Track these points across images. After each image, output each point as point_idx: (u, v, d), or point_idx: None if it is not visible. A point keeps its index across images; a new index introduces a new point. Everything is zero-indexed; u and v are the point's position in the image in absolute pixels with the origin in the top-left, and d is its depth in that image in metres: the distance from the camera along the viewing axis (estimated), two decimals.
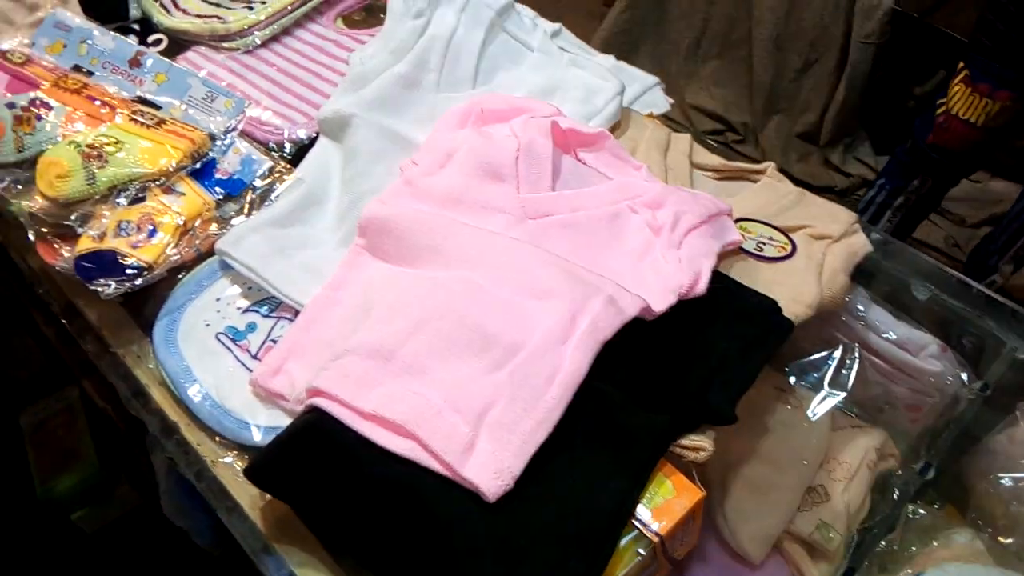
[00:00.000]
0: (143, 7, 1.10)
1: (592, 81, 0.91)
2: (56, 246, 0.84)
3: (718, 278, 0.74)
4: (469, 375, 0.64)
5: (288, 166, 0.89)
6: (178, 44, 1.08)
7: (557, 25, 1.06)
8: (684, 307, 0.71)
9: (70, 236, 0.84)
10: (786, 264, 0.78)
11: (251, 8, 1.05)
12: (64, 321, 0.84)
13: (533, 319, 0.66)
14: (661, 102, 0.99)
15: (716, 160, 0.90)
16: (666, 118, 1.00)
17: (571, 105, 0.89)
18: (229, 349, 0.78)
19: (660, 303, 0.70)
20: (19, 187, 0.88)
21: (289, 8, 1.06)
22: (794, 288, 0.76)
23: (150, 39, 1.04)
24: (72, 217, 0.84)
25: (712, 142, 0.96)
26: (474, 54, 0.92)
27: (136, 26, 1.11)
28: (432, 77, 0.92)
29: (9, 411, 1.90)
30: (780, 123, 2.73)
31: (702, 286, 0.72)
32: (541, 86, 0.91)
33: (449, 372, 0.64)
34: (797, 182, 0.91)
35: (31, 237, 0.85)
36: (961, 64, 1.73)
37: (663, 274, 0.72)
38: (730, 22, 2.68)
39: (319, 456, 0.64)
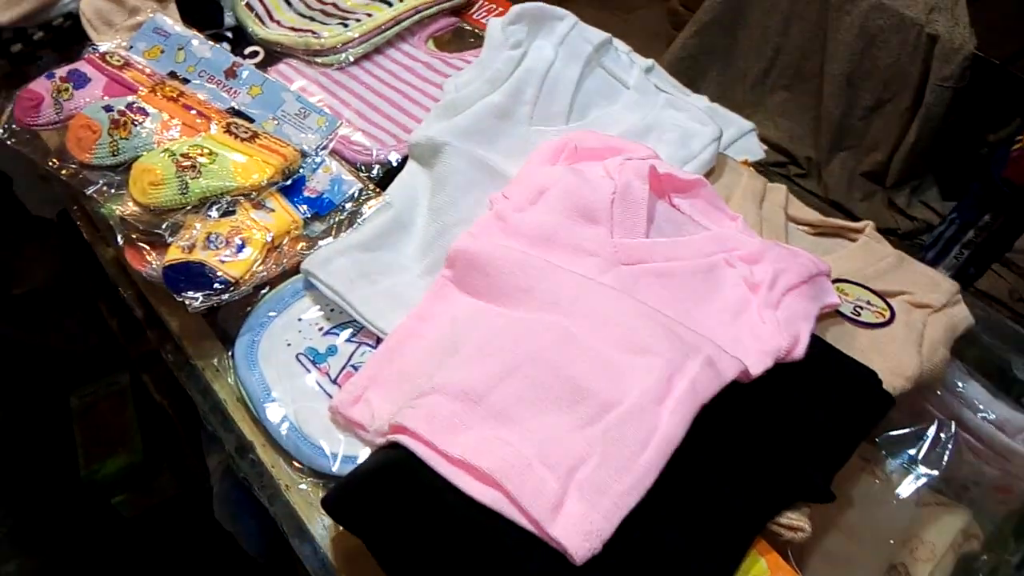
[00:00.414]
0: (238, 16, 1.11)
1: (689, 124, 0.89)
2: (144, 253, 0.84)
3: (815, 342, 0.71)
4: (560, 428, 0.62)
5: (376, 188, 0.89)
6: (270, 55, 1.08)
7: (650, 61, 1.04)
8: (780, 371, 0.69)
9: (159, 244, 0.84)
10: (884, 332, 0.76)
11: (346, 25, 1.05)
12: (147, 329, 0.84)
13: (628, 375, 0.64)
14: (756, 148, 0.96)
15: (812, 215, 0.88)
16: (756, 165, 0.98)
17: (666, 148, 0.87)
18: (309, 371, 0.78)
19: (757, 366, 0.67)
20: (112, 191, 0.88)
21: (383, 27, 1.05)
22: (893, 358, 0.73)
23: (247, 51, 1.04)
24: (163, 226, 0.84)
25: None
26: (570, 89, 0.91)
27: (229, 34, 1.11)
28: (526, 109, 0.90)
29: (60, 390, 1.93)
30: (845, 160, 2.68)
31: (800, 350, 0.69)
32: (636, 126, 0.89)
33: (539, 423, 0.62)
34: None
35: (120, 241, 0.85)
36: None
37: (760, 335, 0.70)
38: (802, 54, 2.64)
39: (400, 495, 0.62)
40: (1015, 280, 2.44)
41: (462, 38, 1.14)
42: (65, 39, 1.09)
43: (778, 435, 0.65)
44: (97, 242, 0.96)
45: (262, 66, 1.10)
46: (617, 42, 0.99)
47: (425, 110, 0.99)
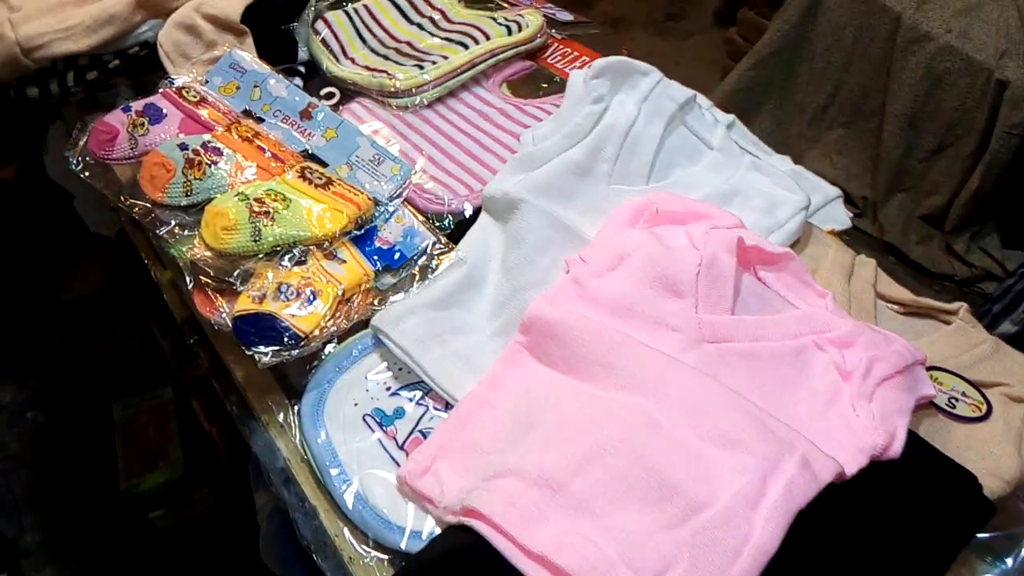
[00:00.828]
0: (312, 52, 1.09)
1: (775, 191, 0.86)
2: (213, 298, 0.82)
3: (911, 439, 0.67)
4: (646, 527, 0.59)
5: (449, 242, 0.86)
6: (343, 93, 1.07)
7: (731, 117, 1.01)
8: (874, 469, 0.65)
9: (228, 291, 0.83)
10: (981, 427, 0.72)
11: (421, 67, 1.03)
12: (213, 382, 0.82)
13: (718, 472, 0.61)
14: (843, 217, 0.92)
15: (903, 293, 0.84)
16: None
17: (751, 215, 0.84)
18: (374, 431, 0.76)
19: (852, 465, 0.64)
20: (184, 232, 0.87)
21: (459, 70, 1.03)
22: (991, 458, 0.69)
23: (322, 92, 1.03)
24: (234, 273, 0.83)
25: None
26: (652, 148, 0.88)
27: (302, 69, 1.10)
28: (605, 167, 0.88)
29: (104, 399, 1.93)
30: (903, 202, 2.62)
31: (897, 448, 0.66)
32: (720, 190, 0.86)
33: (624, 519, 0.59)
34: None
35: (189, 285, 0.84)
36: None
37: (854, 430, 0.66)
38: (863, 92, 2.58)
39: None
40: None
41: (535, 81, 1.11)
42: (140, 68, 1.09)
43: (873, 542, 0.61)
44: (154, 264, 0.95)
45: (335, 106, 1.09)
46: (700, 97, 0.96)
47: (499, 159, 0.96)
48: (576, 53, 1.14)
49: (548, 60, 1.13)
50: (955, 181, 2.46)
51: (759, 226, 0.83)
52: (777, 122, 2.82)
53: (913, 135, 2.47)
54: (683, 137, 0.91)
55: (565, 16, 1.17)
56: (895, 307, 0.84)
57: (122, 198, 0.89)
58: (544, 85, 1.10)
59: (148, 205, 0.88)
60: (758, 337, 0.73)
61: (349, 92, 1.07)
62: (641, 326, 0.74)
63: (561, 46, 1.15)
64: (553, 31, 1.15)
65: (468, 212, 0.91)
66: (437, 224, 0.92)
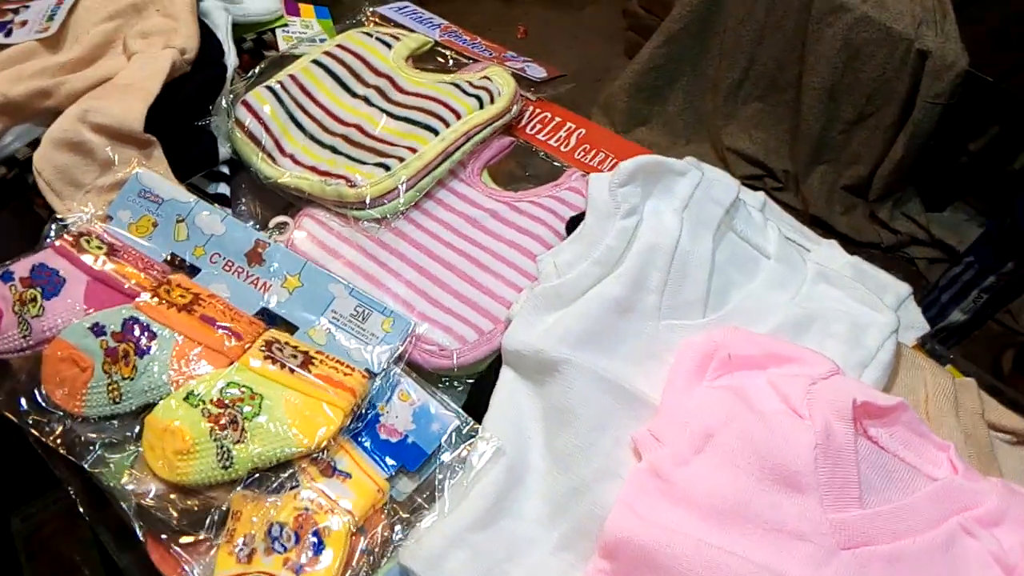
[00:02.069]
0: (238, 150, 0.85)
1: (855, 309, 0.70)
2: (175, 554, 0.60)
3: None
4: None
5: (473, 422, 0.66)
6: (270, 192, 0.83)
7: (761, 196, 0.84)
8: None
9: (195, 536, 0.60)
10: None
11: (387, 168, 0.80)
12: None
13: None
14: (920, 319, 0.78)
15: (1011, 419, 0.70)
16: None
17: (835, 346, 0.68)
18: None
19: None
20: (115, 455, 0.64)
21: (432, 165, 0.81)
22: None
23: (272, 223, 0.79)
24: (197, 505, 0.60)
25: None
26: (705, 270, 0.70)
27: (226, 169, 0.86)
28: (652, 300, 0.69)
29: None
30: (825, 173, 2.56)
31: None
32: (793, 317, 0.69)
33: None
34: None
35: (138, 534, 0.61)
36: None
37: None
38: (778, 65, 2.48)
39: None
40: None
41: (518, 160, 0.91)
42: (7, 193, 0.82)
43: None
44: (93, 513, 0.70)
45: (269, 206, 0.85)
46: (722, 177, 0.78)
47: (506, 283, 0.76)
48: (558, 119, 0.94)
49: (526, 131, 0.93)
50: (877, 151, 2.41)
51: (848, 362, 0.67)
52: (691, 99, 2.69)
53: (833, 107, 2.40)
54: (734, 247, 0.74)
55: (537, 72, 0.96)
56: (1006, 436, 0.70)
57: (28, 417, 0.64)
58: (528, 170, 0.90)
59: (60, 416, 0.64)
60: (899, 532, 0.58)
61: (292, 200, 0.83)
62: (756, 536, 0.57)
63: (537, 110, 0.95)
64: (524, 92, 0.94)
65: (481, 360, 0.72)
66: (446, 382, 0.72)
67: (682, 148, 2.74)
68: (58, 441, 0.63)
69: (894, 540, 0.58)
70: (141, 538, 0.60)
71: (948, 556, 0.58)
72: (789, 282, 0.72)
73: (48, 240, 0.72)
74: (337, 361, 0.66)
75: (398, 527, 0.61)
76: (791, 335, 0.69)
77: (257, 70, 0.91)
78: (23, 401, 0.65)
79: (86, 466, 0.62)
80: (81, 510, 0.65)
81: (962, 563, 0.58)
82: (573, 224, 0.78)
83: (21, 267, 0.69)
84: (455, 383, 0.72)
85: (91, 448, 0.63)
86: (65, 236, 0.71)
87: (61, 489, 1.55)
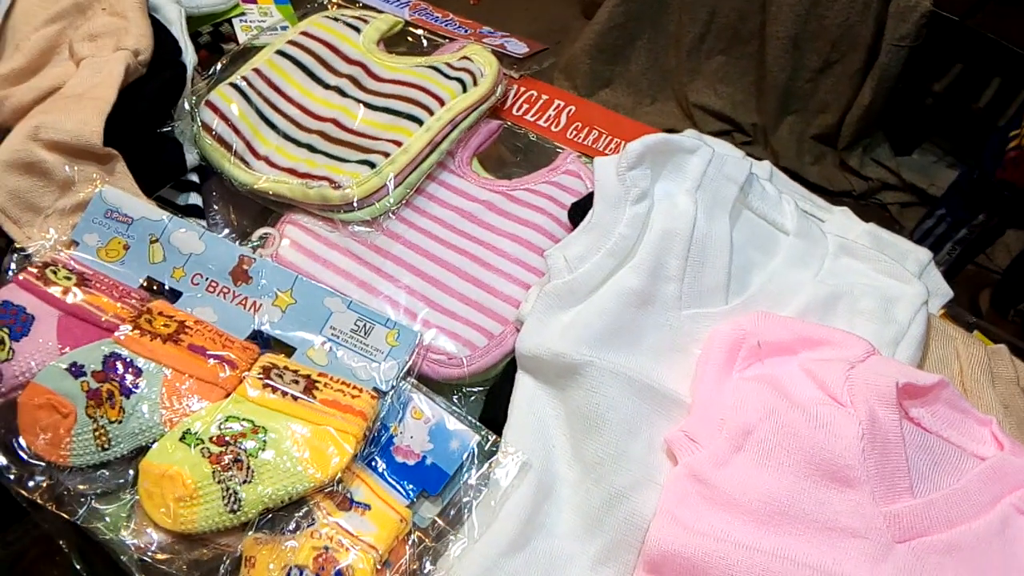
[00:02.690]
0: (207, 156, 0.78)
1: (883, 283, 0.66)
2: None
3: None
4: None
5: (495, 437, 0.62)
6: (245, 198, 0.77)
7: (767, 165, 0.80)
8: None
9: None
10: None
11: (372, 165, 0.74)
12: None
13: None
14: (944, 285, 0.74)
15: None
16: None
17: (866, 324, 0.64)
18: None
19: None
20: (109, 507, 0.58)
21: (420, 158, 0.76)
22: None
23: (255, 235, 0.73)
24: (206, 555, 0.56)
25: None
26: (725, 253, 0.66)
27: (195, 178, 0.79)
28: (672, 289, 0.65)
29: None
30: (793, 124, 2.53)
31: None
32: (819, 296, 0.65)
33: None
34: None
35: None
36: None
37: None
38: (740, 16, 2.43)
39: None
40: None
41: (507, 143, 0.85)
42: None
43: None
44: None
45: (246, 215, 0.80)
46: (732, 152, 0.74)
47: (512, 280, 0.71)
48: (545, 96, 0.88)
49: (513, 112, 0.87)
50: (844, 98, 2.39)
51: (880, 340, 0.63)
52: (653, 57, 2.64)
53: (798, 56, 2.37)
54: (751, 226, 0.69)
55: (518, 48, 0.90)
56: None
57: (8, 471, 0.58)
58: (520, 149, 0.85)
59: (43, 468, 0.58)
60: (953, 519, 0.55)
61: (270, 206, 0.77)
62: (807, 536, 0.54)
63: (522, 88, 0.89)
64: (507, 71, 0.88)
65: (493, 365, 0.67)
66: (458, 394, 0.67)
67: (647, 107, 2.69)
68: (45, 496, 0.57)
69: (949, 528, 0.55)
70: None
71: (1004, 539, 0.55)
72: (811, 258, 0.68)
73: (9, 274, 0.65)
74: (343, 383, 0.61)
75: (426, 558, 0.57)
76: (819, 315, 0.65)
77: (218, 67, 0.84)
78: (0, 455, 0.59)
79: (79, 522, 0.57)
80: (79, 567, 0.60)
81: (1018, 545, 0.55)
82: (576, 211, 0.73)
83: None
84: (467, 393, 0.67)
85: (82, 500, 0.58)
86: (28, 268, 0.65)
87: (8, 530, 1.48)
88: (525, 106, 0.88)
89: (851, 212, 0.77)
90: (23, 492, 0.58)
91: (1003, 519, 0.56)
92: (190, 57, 0.81)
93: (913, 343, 0.64)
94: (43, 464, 0.59)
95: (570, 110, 0.87)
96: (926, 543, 0.54)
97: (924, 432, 0.60)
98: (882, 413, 0.57)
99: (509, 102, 0.88)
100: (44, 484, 0.58)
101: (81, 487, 0.58)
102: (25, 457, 0.59)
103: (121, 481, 0.58)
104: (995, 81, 2.21)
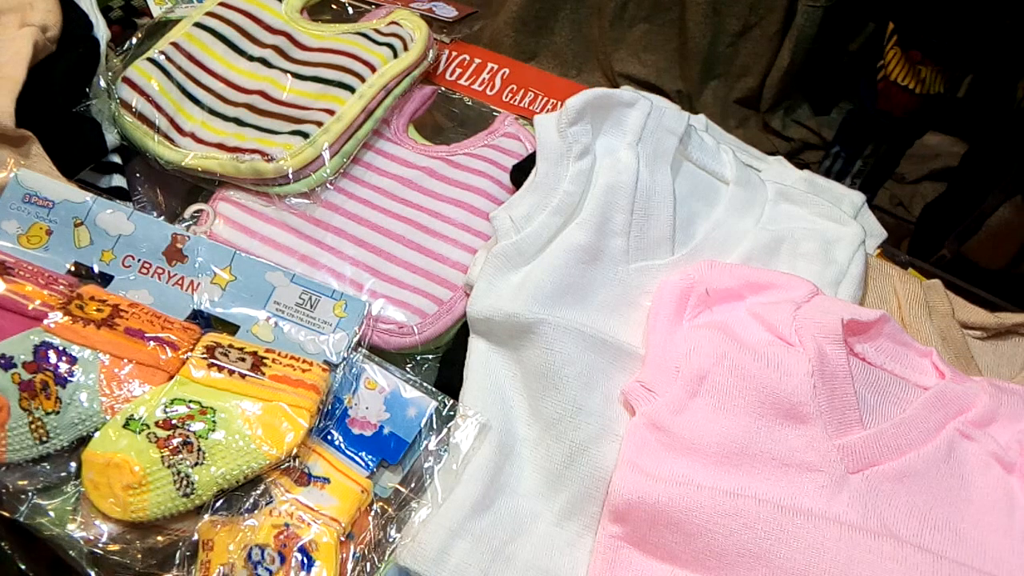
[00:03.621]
0: (128, 135, 0.74)
1: (820, 225, 0.68)
2: None
3: None
4: None
5: (453, 401, 0.61)
6: (172, 178, 0.75)
7: (701, 118, 0.81)
8: None
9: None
10: None
11: (303, 133, 0.72)
12: None
13: None
14: (878, 227, 0.77)
15: (981, 315, 0.70)
16: None
17: (807, 266, 0.66)
18: None
19: None
20: (53, 500, 0.56)
21: (354, 126, 0.74)
22: None
23: (187, 212, 0.70)
24: (161, 542, 0.54)
25: None
26: (668, 204, 0.66)
27: (117, 158, 0.76)
28: (619, 243, 0.65)
29: None
30: (717, 89, 2.56)
31: None
32: (762, 241, 0.66)
33: None
34: None
35: None
36: (891, 26, 1.60)
37: None
38: None
39: None
40: (891, 185, 2.47)
41: (437, 109, 0.84)
42: None
43: None
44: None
45: (174, 196, 0.77)
46: (669, 104, 0.74)
47: (459, 246, 0.71)
48: (478, 60, 0.87)
49: (446, 77, 0.86)
50: (764, 61, 2.43)
51: (822, 280, 0.65)
52: (577, 27, 2.63)
53: (717, 21, 2.39)
54: (692, 176, 0.70)
55: (447, 12, 0.89)
56: (977, 333, 0.71)
57: None
58: (455, 112, 0.83)
59: None
60: (902, 448, 0.57)
61: (200, 184, 0.75)
62: (766, 472, 0.56)
63: (454, 52, 0.88)
64: (437, 36, 0.87)
65: (447, 337, 0.67)
66: (409, 364, 0.67)
67: (573, 79, 2.68)
68: None
69: (898, 456, 0.57)
70: None
71: (951, 463, 0.57)
72: (752, 205, 0.69)
73: None
74: (292, 357, 0.60)
75: (390, 527, 0.56)
76: (763, 260, 0.66)
77: (134, 41, 0.81)
78: None
79: (20, 519, 0.54)
80: (23, 567, 0.57)
81: (964, 467, 0.57)
82: (518, 172, 0.73)
83: None
84: (420, 361, 0.67)
85: (23, 497, 0.55)
86: None
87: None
88: (459, 71, 0.87)
89: (786, 160, 0.79)
90: None
91: (949, 443, 0.58)
92: (102, 32, 0.78)
93: (853, 282, 0.66)
94: None
95: (504, 73, 0.86)
96: (879, 472, 0.56)
97: (869, 366, 0.62)
98: (829, 349, 0.58)
99: (442, 67, 0.86)
100: None
101: (21, 483, 0.55)
102: None
103: (63, 474, 0.56)
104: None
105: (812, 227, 0.68)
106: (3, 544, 0.58)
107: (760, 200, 0.70)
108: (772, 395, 0.57)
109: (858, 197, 0.75)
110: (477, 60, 0.87)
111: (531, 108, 0.84)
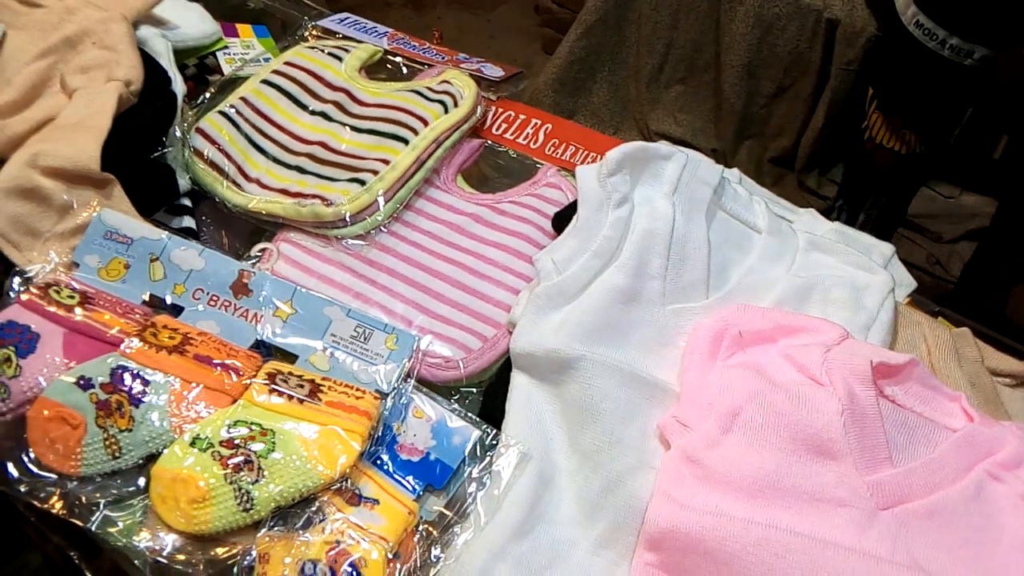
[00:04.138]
0: (199, 181, 0.80)
1: (850, 273, 0.71)
2: None
3: None
4: None
5: (496, 431, 0.65)
6: (236, 221, 0.80)
7: (735, 171, 0.85)
8: None
9: None
10: None
11: (361, 182, 0.78)
12: None
13: None
14: (907, 276, 0.79)
15: (1010, 363, 0.72)
16: None
17: (838, 312, 0.69)
18: None
19: None
20: (120, 513, 0.60)
21: (408, 174, 0.79)
22: None
23: (254, 250, 0.75)
24: (221, 554, 0.57)
25: None
26: (703, 250, 0.70)
27: (188, 202, 0.82)
28: (656, 286, 0.69)
29: None
30: (751, 148, 2.61)
31: None
32: (794, 287, 0.70)
33: None
34: None
35: None
36: (871, 91, 1.64)
37: None
38: (695, 47, 2.53)
39: None
40: (928, 245, 2.47)
41: (491, 161, 0.89)
42: None
43: None
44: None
45: (239, 236, 0.82)
46: (702, 158, 0.78)
47: (502, 287, 0.74)
48: (523, 116, 0.93)
49: (493, 132, 0.91)
50: (798, 121, 2.48)
51: (852, 326, 0.68)
52: (614, 88, 2.72)
53: (752, 83, 2.46)
54: (726, 225, 0.74)
55: (494, 72, 0.95)
56: (1007, 380, 0.72)
57: (18, 485, 0.59)
58: (501, 164, 0.89)
59: (54, 481, 0.60)
60: (932, 487, 0.59)
61: (264, 226, 0.80)
62: (797, 507, 0.58)
63: (500, 109, 0.94)
64: (485, 93, 0.93)
65: (490, 372, 0.70)
66: (456, 396, 0.70)
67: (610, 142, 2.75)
68: (57, 506, 0.59)
69: (928, 494, 0.59)
70: None
71: (979, 503, 0.59)
72: (783, 254, 0.73)
73: (12, 295, 0.67)
74: (346, 385, 0.63)
75: (435, 548, 0.59)
76: (794, 305, 0.69)
77: (207, 95, 0.87)
78: (11, 468, 0.60)
79: (92, 527, 0.58)
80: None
81: (993, 507, 0.59)
82: (559, 220, 0.77)
83: None
84: (464, 394, 0.70)
85: (94, 508, 0.59)
86: (31, 289, 0.66)
87: (24, 556, 1.46)
88: (504, 125, 0.92)
89: (817, 212, 0.82)
90: (35, 503, 0.59)
91: (978, 484, 0.60)
92: (179, 87, 0.84)
93: (883, 328, 0.69)
94: (54, 476, 0.60)
95: (547, 128, 0.91)
96: (908, 509, 0.58)
97: (899, 408, 0.64)
98: (859, 390, 0.60)
99: (488, 122, 0.92)
100: (56, 494, 0.59)
101: (93, 496, 0.59)
102: (35, 470, 0.60)
103: (132, 488, 0.60)
104: None
105: (842, 275, 0.71)
106: (72, 554, 0.62)
107: (792, 248, 0.73)
108: (803, 432, 0.59)
109: (888, 248, 0.78)
110: (522, 116, 0.92)
111: (572, 160, 0.88)
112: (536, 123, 0.92)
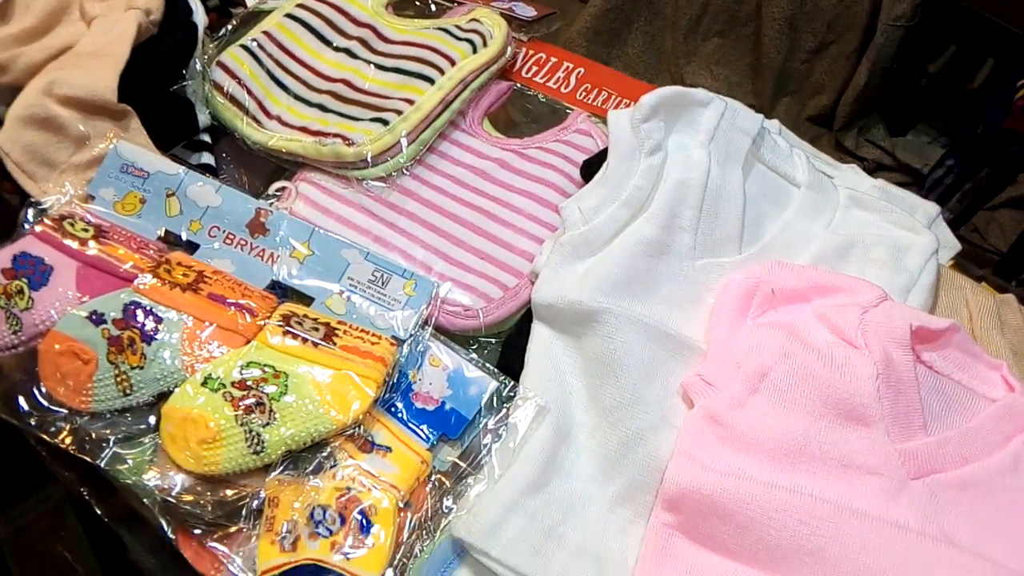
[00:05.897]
0: (219, 116, 0.78)
1: (893, 233, 0.67)
2: (211, 548, 0.56)
3: None
4: None
5: (512, 382, 0.63)
6: (256, 158, 0.78)
7: (775, 122, 0.80)
8: None
9: (231, 528, 0.56)
10: None
11: (384, 122, 0.75)
12: None
13: None
14: (951, 238, 0.75)
15: None
16: None
17: (877, 272, 0.65)
18: None
19: None
20: (132, 449, 0.59)
21: (432, 116, 0.76)
22: None
23: (272, 188, 0.73)
24: (240, 511, 0.56)
25: None
26: (738, 204, 0.66)
27: (207, 137, 0.79)
28: (686, 239, 0.66)
29: None
30: (789, 106, 2.53)
31: None
32: (832, 245, 0.66)
33: None
34: None
35: (168, 532, 0.56)
36: None
37: None
38: None
39: None
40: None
41: (517, 105, 0.86)
42: None
43: None
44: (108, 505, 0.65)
45: (257, 176, 0.80)
46: (741, 106, 0.74)
47: (526, 235, 0.72)
48: (554, 59, 0.89)
49: (522, 74, 0.88)
50: (840, 79, 2.39)
51: (891, 287, 0.64)
52: (650, 39, 2.64)
53: (793, 37, 2.37)
54: (763, 178, 0.70)
55: (526, 12, 0.91)
56: None
57: (29, 417, 0.59)
58: (530, 107, 0.85)
59: (65, 416, 0.59)
60: (966, 456, 0.56)
61: (284, 164, 0.78)
62: (824, 473, 0.55)
63: (531, 51, 0.90)
64: (516, 34, 0.89)
65: (511, 322, 0.68)
66: (474, 347, 0.68)
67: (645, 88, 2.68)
68: (67, 441, 0.58)
69: (962, 465, 0.56)
70: (171, 535, 0.56)
71: (1016, 476, 0.56)
72: (822, 210, 0.69)
73: (26, 226, 0.65)
74: (361, 330, 0.62)
75: (447, 498, 0.58)
76: (831, 264, 0.66)
77: (229, 28, 0.85)
78: (22, 401, 0.59)
79: (102, 464, 0.57)
80: (99, 512, 0.60)
81: None
82: (588, 168, 0.74)
83: (1, 256, 0.63)
84: (483, 343, 0.68)
85: (104, 445, 0.58)
86: (45, 220, 0.65)
87: (46, 489, 1.48)
88: (535, 68, 0.88)
89: (859, 168, 0.78)
90: (47, 438, 0.58)
91: (1015, 456, 0.57)
92: (200, 18, 0.81)
93: (924, 291, 0.65)
94: (64, 411, 0.59)
95: (579, 72, 0.88)
96: (940, 479, 0.55)
97: (936, 375, 0.61)
98: (896, 354, 0.57)
99: (518, 64, 0.88)
100: (66, 430, 0.58)
101: (103, 432, 0.58)
102: (46, 404, 0.59)
103: (143, 426, 0.59)
104: (989, 62, 2.23)
105: (884, 234, 0.67)
106: (82, 490, 0.61)
107: (831, 205, 0.69)
108: (835, 395, 0.56)
109: (932, 208, 0.74)
110: (553, 59, 0.89)
111: (604, 107, 0.85)
112: (568, 66, 0.88)
